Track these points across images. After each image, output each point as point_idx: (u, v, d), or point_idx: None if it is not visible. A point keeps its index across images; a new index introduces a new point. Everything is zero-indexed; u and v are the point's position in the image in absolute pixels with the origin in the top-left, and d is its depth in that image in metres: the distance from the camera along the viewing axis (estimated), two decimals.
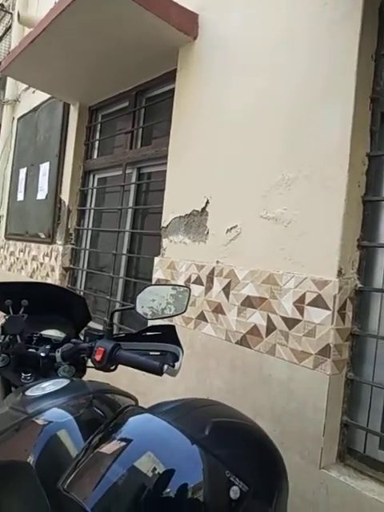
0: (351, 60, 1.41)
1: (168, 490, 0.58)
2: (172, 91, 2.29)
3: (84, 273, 3.23)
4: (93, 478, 0.62)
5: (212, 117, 1.98)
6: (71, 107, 3.36)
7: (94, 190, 3.25)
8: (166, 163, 2.26)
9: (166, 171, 2.25)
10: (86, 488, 0.61)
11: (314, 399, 1.38)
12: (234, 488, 0.62)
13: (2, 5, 5.27)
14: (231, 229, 1.81)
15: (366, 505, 1.22)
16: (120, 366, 1.16)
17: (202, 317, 1.90)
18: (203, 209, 1.97)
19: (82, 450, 0.69)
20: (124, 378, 2.04)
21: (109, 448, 0.64)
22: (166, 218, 2.19)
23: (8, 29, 4.85)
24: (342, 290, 1.37)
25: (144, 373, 2.10)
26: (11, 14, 4.73)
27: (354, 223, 1.41)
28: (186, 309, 1.18)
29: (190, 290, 1.21)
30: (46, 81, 3.01)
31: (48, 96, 3.55)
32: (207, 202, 1.95)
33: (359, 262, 1.42)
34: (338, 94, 1.43)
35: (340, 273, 1.38)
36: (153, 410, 0.75)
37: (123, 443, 0.64)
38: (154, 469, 0.60)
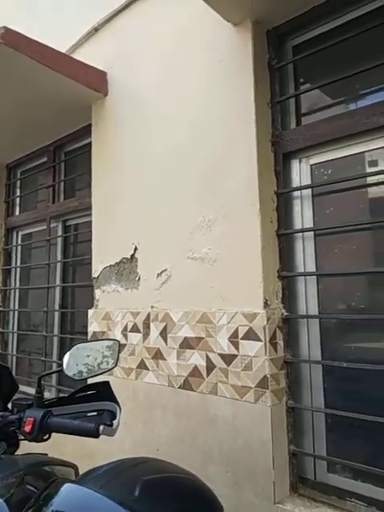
0: (249, 108, 1.55)
1: None
2: (90, 145, 2.34)
3: (15, 335, 3.04)
4: None
5: (131, 167, 2.04)
6: None
7: (19, 247, 3.14)
8: (90, 214, 2.26)
9: (91, 222, 2.25)
10: None
11: (260, 432, 1.39)
12: None
13: None
14: (161, 272, 1.83)
15: None
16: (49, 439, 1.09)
17: (142, 365, 1.86)
18: (132, 256, 1.98)
19: None
20: (69, 442, 1.91)
21: None
22: (96, 269, 2.17)
23: None
24: (271, 320, 1.43)
25: None
26: None
27: (272, 256, 1.49)
28: (116, 363, 1.16)
29: (118, 342, 1.19)
30: None
31: None
32: (135, 249, 1.97)
33: (282, 292, 1.50)
34: (242, 139, 1.56)
35: (266, 304, 1.45)
36: (82, 478, 0.72)
37: None
38: None
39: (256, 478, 1.38)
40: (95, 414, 1.10)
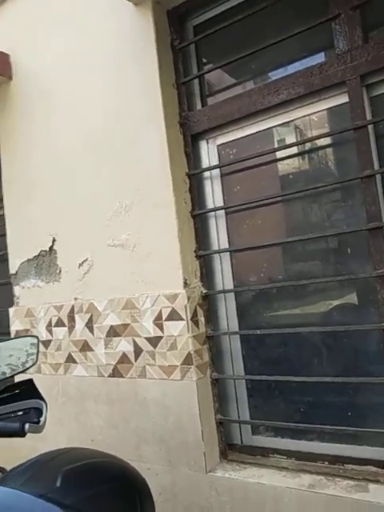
0: (156, 90, 1.54)
1: None
2: None
3: None
4: None
5: (42, 153, 1.94)
6: None
7: None
8: (2, 207, 2.14)
9: (4, 215, 2.13)
10: None
11: (188, 407, 1.44)
12: None
13: None
14: (83, 262, 1.79)
15: (250, 491, 1.31)
16: None
17: (70, 359, 1.82)
18: (51, 247, 1.91)
19: None
20: (3, 441, 1.82)
21: None
22: (14, 264, 2.06)
23: None
24: (191, 299, 1.47)
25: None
26: None
27: (189, 237, 1.53)
28: (36, 360, 1.12)
29: (38, 338, 1.16)
30: None
31: None
32: (53, 240, 1.90)
33: (200, 270, 1.54)
34: (151, 122, 1.55)
35: (186, 283, 1.48)
36: (2, 479, 0.70)
37: None
38: None
39: (188, 452, 1.43)
40: (21, 413, 1.07)
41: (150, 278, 1.58)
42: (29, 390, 1.12)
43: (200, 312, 1.50)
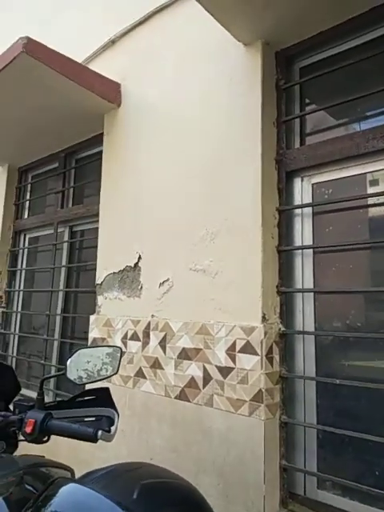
0: (256, 127, 1.59)
1: None
2: (101, 153, 2.39)
3: (16, 337, 3.08)
4: None
5: (139, 177, 2.08)
6: (0, 169, 3.34)
7: (25, 250, 3.19)
8: (97, 221, 2.31)
9: (98, 229, 2.29)
10: None
11: (252, 446, 1.41)
12: None
13: None
14: (164, 282, 1.86)
15: None
16: (48, 441, 1.11)
17: (140, 374, 1.88)
18: (136, 264, 2.02)
19: None
20: (64, 447, 1.93)
21: None
22: (100, 275, 2.20)
23: None
24: (268, 335, 1.45)
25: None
26: None
27: (272, 271, 1.52)
28: (117, 370, 1.18)
29: (121, 349, 1.21)
30: None
31: None
32: (139, 258, 2.00)
33: (280, 307, 1.52)
34: (247, 156, 1.59)
35: (264, 318, 1.47)
36: (82, 479, 0.74)
37: None
38: None
39: (247, 491, 1.39)
40: (93, 419, 1.13)
41: (227, 307, 1.59)
42: (104, 398, 1.18)
43: (275, 349, 1.47)
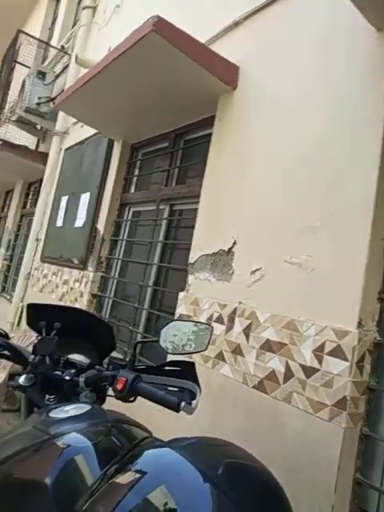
0: (380, 123, 1.46)
1: None
2: (209, 136, 2.42)
3: (110, 301, 3.32)
4: (109, 505, 0.64)
5: (245, 164, 2.06)
6: (115, 143, 3.57)
7: (128, 222, 3.39)
8: (197, 202, 2.35)
9: (197, 209, 2.34)
10: None
11: (328, 452, 1.35)
12: None
13: (62, 46, 5.76)
14: (256, 271, 1.85)
15: None
16: (140, 403, 1.19)
17: (220, 356, 1.91)
18: (230, 249, 2.03)
19: (99, 478, 0.71)
20: (140, 411, 2.05)
21: (125, 478, 0.67)
22: (194, 255, 2.26)
23: (65, 68, 5.27)
24: (362, 342, 1.37)
25: (160, 408, 2.11)
26: (70, 55, 5.14)
27: (376, 276, 1.41)
28: (206, 347, 1.21)
29: (212, 328, 1.24)
30: (94, 118, 3.24)
31: (94, 131, 3.79)
32: (234, 243, 2.00)
33: (379, 315, 1.41)
34: (366, 152, 1.48)
35: (360, 324, 1.38)
36: (169, 444, 0.77)
37: (139, 474, 0.67)
38: (166, 503, 0.62)
39: (315, 496, 1.35)
40: (176, 390, 1.18)
41: (320, 306, 1.53)
42: (189, 371, 1.22)
43: (368, 359, 1.38)
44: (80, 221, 3.80)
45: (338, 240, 1.51)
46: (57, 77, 5.58)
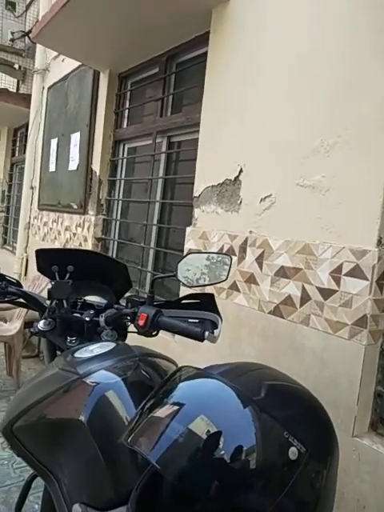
0: None
1: (222, 452, 0.60)
2: (204, 56, 2.22)
3: (115, 243, 3.28)
4: (154, 435, 0.64)
5: (247, 81, 1.91)
6: (101, 75, 3.32)
7: (124, 160, 3.25)
8: (197, 131, 2.22)
9: (197, 139, 2.21)
10: (148, 443, 0.64)
11: (349, 369, 1.38)
12: (293, 449, 0.63)
13: None
14: (265, 198, 1.78)
15: None
16: (157, 335, 1.19)
17: (234, 287, 1.90)
18: (236, 178, 1.94)
19: (136, 413, 0.71)
20: (157, 346, 2.09)
21: (164, 411, 0.66)
22: (198, 188, 2.17)
23: None
24: (382, 260, 1.34)
25: (178, 341, 2.15)
26: None
27: None
28: (227, 277, 1.18)
29: (231, 258, 1.20)
30: (76, 47, 2.97)
31: (78, 64, 3.52)
32: (240, 171, 1.91)
33: None
34: (379, 60, 1.34)
35: (380, 242, 1.34)
36: (205, 371, 0.76)
37: (177, 406, 0.66)
38: (208, 431, 0.61)
39: (337, 410, 1.39)
40: (197, 321, 1.17)
41: (337, 227, 1.48)
42: (208, 303, 1.21)
43: None
44: (73, 163, 3.66)
45: (354, 156, 1.43)
46: (28, 6, 5.09)
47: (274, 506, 0.59)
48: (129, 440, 0.64)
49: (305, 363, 1.53)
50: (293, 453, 0.62)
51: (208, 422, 0.62)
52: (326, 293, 1.47)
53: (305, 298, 1.56)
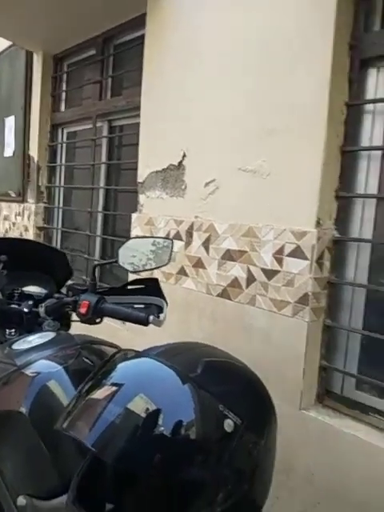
0: (330, 4, 1.35)
1: (162, 428, 0.61)
2: (142, 37, 2.17)
3: (59, 232, 3.16)
4: (90, 418, 0.64)
5: (185, 64, 1.89)
6: (34, 56, 3.13)
7: (64, 145, 3.12)
8: (138, 115, 2.18)
9: (139, 124, 2.17)
10: (84, 427, 0.63)
11: (293, 345, 1.45)
12: (228, 421, 0.65)
13: None
14: (209, 183, 1.79)
15: (343, 440, 1.32)
16: (102, 324, 1.17)
17: (182, 272, 1.91)
18: (180, 163, 1.93)
19: (76, 394, 0.71)
20: (105, 333, 2.06)
21: (101, 392, 0.66)
22: (142, 173, 2.14)
23: None
24: (320, 241, 1.41)
25: (127, 327, 2.13)
26: None
27: (332, 174, 1.41)
28: (169, 261, 1.18)
29: (172, 241, 1.21)
30: (5, 26, 2.77)
31: (8, 43, 3.29)
32: (184, 156, 1.91)
33: (337, 213, 1.44)
34: (317, 39, 1.39)
35: (318, 223, 1.41)
36: (143, 352, 0.76)
37: (115, 387, 0.66)
38: (147, 409, 0.62)
39: (284, 385, 1.46)
40: (143, 306, 1.17)
41: (278, 210, 1.53)
42: (153, 287, 1.22)
43: (327, 256, 1.43)
44: (9, 149, 3.45)
45: (293, 140, 1.47)
46: None
47: (214, 477, 0.62)
48: (64, 425, 0.64)
49: (253, 342, 1.59)
50: (228, 425, 0.65)
51: (147, 401, 0.63)
52: (270, 273, 1.53)
53: (250, 279, 1.60)
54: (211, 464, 0.63)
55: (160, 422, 0.61)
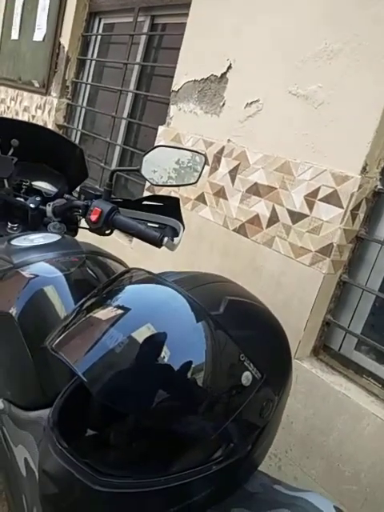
0: None
1: (166, 367, 0.51)
2: None
3: (78, 133, 2.98)
4: (86, 341, 0.53)
5: None
6: None
7: (99, 37, 2.83)
8: (186, 14, 1.91)
9: (185, 24, 1.91)
10: (77, 350, 0.53)
11: (303, 295, 1.36)
12: (247, 374, 0.55)
13: None
14: (251, 103, 1.59)
15: (331, 396, 1.28)
16: (108, 238, 1.08)
17: (201, 199, 1.78)
18: (223, 74, 1.71)
19: (73, 311, 0.60)
20: (110, 248, 1.99)
21: (105, 313, 0.55)
22: (178, 81, 1.92)
23: None
24: (361, 189, 1.25)
25: (135, 245, 2.05)
26: None
27: None
28: (198, 180, 1.04)
29: (206, 157, 1.05)
30: None
31: None
32: (229, 67, 1.69)
33: None
34: None
35: (364, 169, 1.25)
36: (158, 276, 0.64)
37: (122, 310, 0.55)
38: (154, 342, 0.52)
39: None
40: (157, 226, 1.07)
41: (322, 147, 1.36)
42: (172, 208, 1.10)
43: (363, 207, 1.29)
44: (40, 32, 3.15)
45: (359, 67, 1.26)
46: None
47: (216, 431, 0.53)
48: (54, 344, 0.54)
49: (260, 284, 1.50)
50: (246, 378, 0.55)
51: (155, 332, 0.52)
52: (297, 216, 1.40)
53: (273, 219, 1.48)
54: (216, 417, 0.54)
55: (166, 359, 0.51)
